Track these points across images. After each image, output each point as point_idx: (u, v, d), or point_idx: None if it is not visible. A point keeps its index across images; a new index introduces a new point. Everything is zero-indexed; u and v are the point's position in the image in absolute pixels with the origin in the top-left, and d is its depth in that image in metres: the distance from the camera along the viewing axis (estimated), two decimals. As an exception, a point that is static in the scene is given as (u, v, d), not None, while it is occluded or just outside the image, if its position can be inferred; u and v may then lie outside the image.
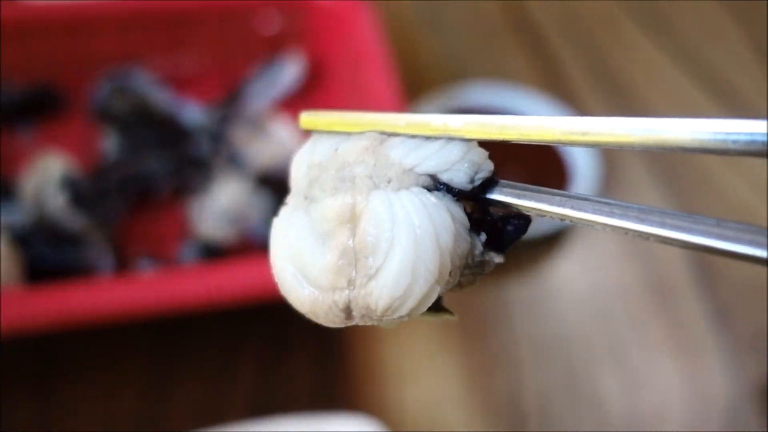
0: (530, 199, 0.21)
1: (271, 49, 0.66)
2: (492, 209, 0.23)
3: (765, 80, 0.73)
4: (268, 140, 0.60)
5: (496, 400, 0.53)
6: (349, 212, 0.22)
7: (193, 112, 0.63)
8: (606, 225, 0.20)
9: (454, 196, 0.22)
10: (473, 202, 0.22)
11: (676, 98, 0.73)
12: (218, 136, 0.61)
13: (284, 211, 0.24)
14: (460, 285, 0.24)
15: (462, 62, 0.76)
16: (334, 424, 0.45)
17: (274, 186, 0.58)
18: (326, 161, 0.23)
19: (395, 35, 0.73)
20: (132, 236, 0.59)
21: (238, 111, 0.63)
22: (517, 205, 0.22)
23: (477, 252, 0.22)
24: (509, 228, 0.23)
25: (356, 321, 0.22)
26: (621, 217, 0.19)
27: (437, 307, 0.26)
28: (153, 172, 0.59)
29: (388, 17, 0.71)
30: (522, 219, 0.23)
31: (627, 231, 0.19)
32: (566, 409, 0.52)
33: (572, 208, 0.20)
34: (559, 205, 0.21)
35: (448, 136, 0.22)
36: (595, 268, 0.62)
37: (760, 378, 0.53)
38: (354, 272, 0.21)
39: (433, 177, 0.22)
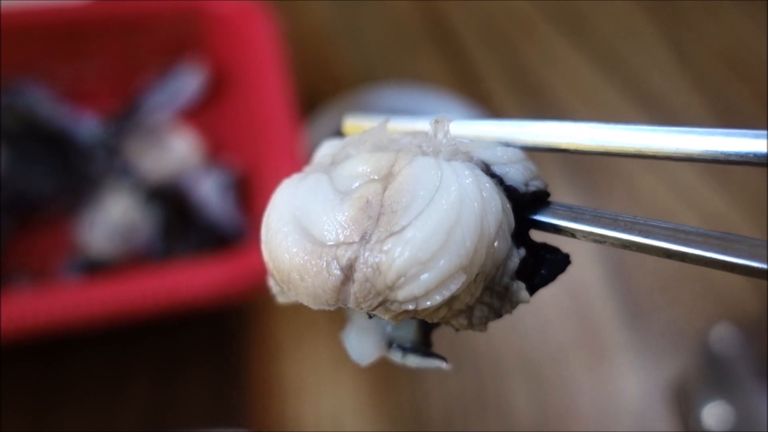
0: (588, 222, 0.19)
1: (172, 59, 0.65)
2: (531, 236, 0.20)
3: (682, 79, 0.71)
4: (164, 152, 0.58)
5: (400, 413, 0.50)
6: (385, 169, 0.18)
7: (88, 126, 0.61)
8: (684, 254, 0.17)
9: (509, 199, 0.19)
10: (517, 219, 0.19)
11: (592, 98, 0.70)
12: (113, 150, 0.59)
13: (296, 175, 0.21)
14: (469, 321, 0.20)
15: (376, 65, 0.73)
16: None
17: (168, 199, 0.56)
18: (364, 136, 0.21)
19: (306, 38, 0.72)
20: (18, 254, 0.54)
21: (136, 123, 0.61)
22: (573, 229, 0.19)
23: (512, 265, 0.19)
24: (547, 267, 0.20)
25: (352, 292, 0.17)
26: (701, 246, 0.16)
27: (427, 351, 0.21)
28: (41, 188, 0.56)
29: (299, 20, 0.71)
30: (560, 255, 0.20)
31: (708, 262, 0.16)
32: (472, 418, 0.50)
33: (639, 233, 0.18)
34: (624, 230, 0.18)
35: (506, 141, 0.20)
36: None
37: (671, 378, 0.51)
38: (372, 226, 0.17)
39: (487, 166, 0.19)
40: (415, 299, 0.17)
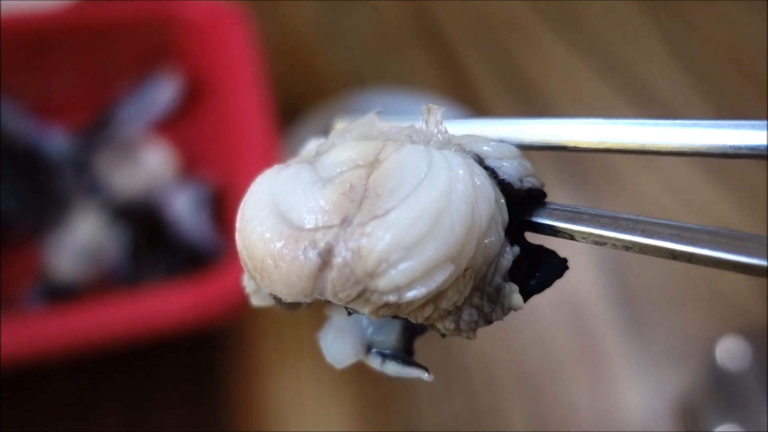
0: (587, 223, 0.17)
1: (145, 68, 0.61)
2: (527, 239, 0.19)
3: (680, 76, 0.67)
4: (136, 167, 0.55)
5: (390, 437, 0.47)
6: (372, 156, 0.17)
7: (56, 142, 0.57)
8: (691, 255, 0.15)
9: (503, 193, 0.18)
10: (511, 219, 0.18)
11: (588, 98, 0.67)
12: (82, 166, 0.55)
13: (277, 165, 0.20)
14: (457, 324, 0.18)
15: (362, 68, 0.70)
16: None
17: (139, 217, 0.53)
18: (351, 126, 0.20)
19: (289, 42, 0.69)
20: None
21: (107, 136, 0.58)
22: (571, 230, 0.17)
23: (505, 264, 0.17)
24: (543, 272, 0.18)
25: (330, 279, 0.16)
26: (709, 245, 0.15)
27: (408, 359, 0.20)
28: (4, 209, 0.53)
29: (281, 24, 0.68)
30: (557, 259, 0.18)
31: (717, 262, 0.15)
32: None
33: (642, 233, 0.16)
34: (626, 230, 0.17)
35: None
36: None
37: (675, 395, 0.48)
38: (355, 210, 0.16)
39: (481, 159, 0.18)
40: (397, 289, 0.15)
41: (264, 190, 0.18)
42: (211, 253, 0.53)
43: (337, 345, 0.19)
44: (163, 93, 0.61)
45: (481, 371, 0.50)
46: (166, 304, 0.42)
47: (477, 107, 0.66)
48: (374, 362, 0.19)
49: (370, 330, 0.19)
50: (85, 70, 0.60)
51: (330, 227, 0.16)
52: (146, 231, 0.53)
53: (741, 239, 0.15)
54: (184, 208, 0.54)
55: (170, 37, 0.60)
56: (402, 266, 0.15)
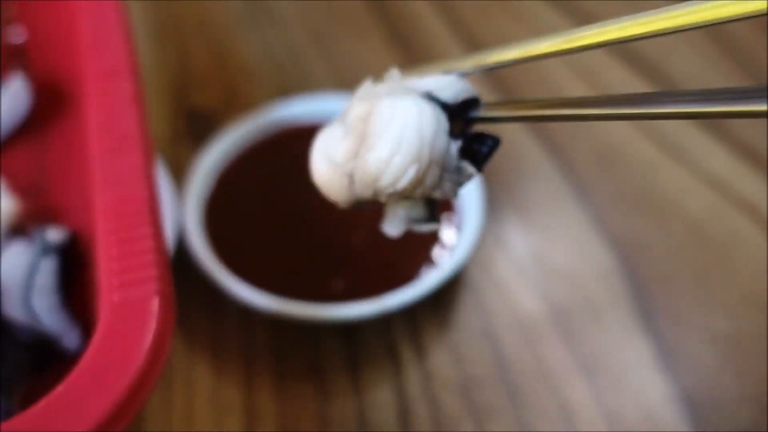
0: (511, 108, 0.29)
1: None
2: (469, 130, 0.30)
3: (699, 44, 0.57)
4: None
5: None
6: (365, 112, 0.30)
7: None
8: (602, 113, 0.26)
9: (444, 110, 0.30)
10: (461, 121, 0.30)
11: (583, 69, 0.57)
12: None
13: (328, 126, 0.33)
14: (443, 191, 0.31)
15: (304, 68, 0.59)
16: None
17: None
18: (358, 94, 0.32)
19: (203, 35, 0.60)
20: None
21: None
22: (499, 116, 0.29)
23: (454, 151, 0.29)
24: (483, 148, 0.30)
25: (357, 187, 0.29)
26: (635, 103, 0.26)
27: (431, 220, 0.33)
28: None
29: (192, 12, 0.60)
30: (492, 139, 0.30)
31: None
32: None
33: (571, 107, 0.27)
34: (549, 107, 0.27)
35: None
36: (489, 316, 0.48)
37: None
38: (360, 149, 0.29)
39: (429, 94, 0.30)
40: (392, 184, 0.29)
41: (320, 145, 0.32)
42: (57, 345, 0.35)
43: (393, 224, 0.33)
44: (6, 102, 0.46)
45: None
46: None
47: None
48: (414, 226, 0.33)
49: (408, 212, 0.33)
50: None
51: (350, 160, 0.29)
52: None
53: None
54: (13, 269, 0.35)
55: (17, 29, 0.47)
56: (388, 172, 0.28)
